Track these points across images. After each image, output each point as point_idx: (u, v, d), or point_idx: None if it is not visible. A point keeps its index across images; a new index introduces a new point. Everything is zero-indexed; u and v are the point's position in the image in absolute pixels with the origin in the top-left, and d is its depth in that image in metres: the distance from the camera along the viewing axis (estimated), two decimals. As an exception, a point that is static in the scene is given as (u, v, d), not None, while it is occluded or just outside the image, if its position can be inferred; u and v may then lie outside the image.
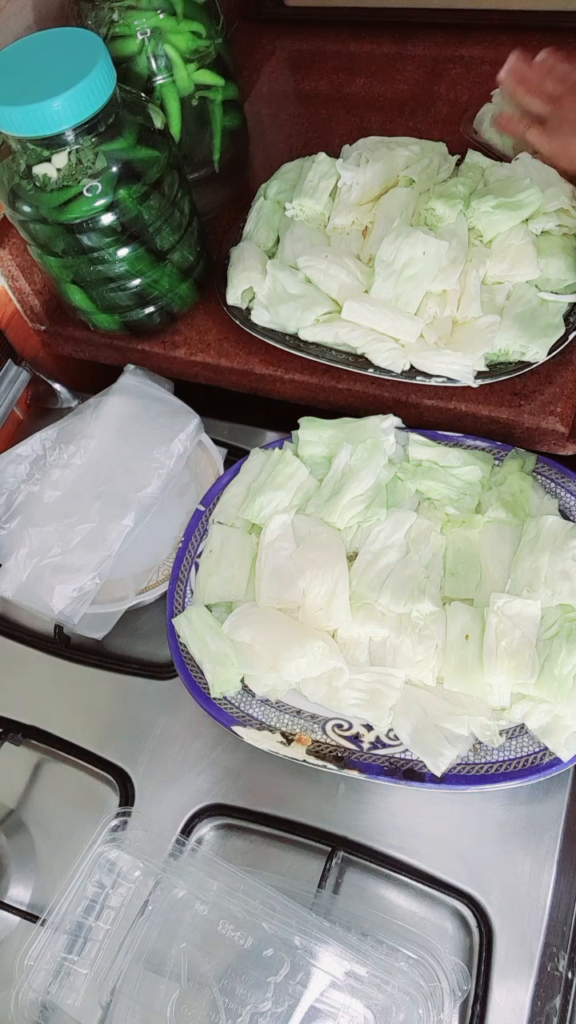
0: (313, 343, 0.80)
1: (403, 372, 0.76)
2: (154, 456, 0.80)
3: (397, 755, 0.63)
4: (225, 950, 0.58)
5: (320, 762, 0.64)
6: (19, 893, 0.67)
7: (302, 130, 1.02)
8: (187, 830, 0.67)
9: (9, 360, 0.91)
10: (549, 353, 0.73)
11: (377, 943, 0.57)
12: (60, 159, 0.69)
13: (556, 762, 0.61)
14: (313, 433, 0.77)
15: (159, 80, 0.85)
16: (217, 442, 0.84)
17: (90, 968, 0.60)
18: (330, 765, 0.63)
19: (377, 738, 0.65)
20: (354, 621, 0.68)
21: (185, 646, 0.70)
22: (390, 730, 0.65)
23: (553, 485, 0.73)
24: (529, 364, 0.73)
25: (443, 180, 0.84)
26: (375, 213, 0.83)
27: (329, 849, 0.63)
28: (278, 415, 0.84)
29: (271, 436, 0.86)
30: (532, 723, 0.62)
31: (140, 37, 0.81)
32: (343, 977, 0.56)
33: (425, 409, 0.80)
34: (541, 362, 0.73)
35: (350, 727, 0.66)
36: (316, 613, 0.68)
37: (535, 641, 0.64)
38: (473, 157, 0.85)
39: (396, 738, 0.64)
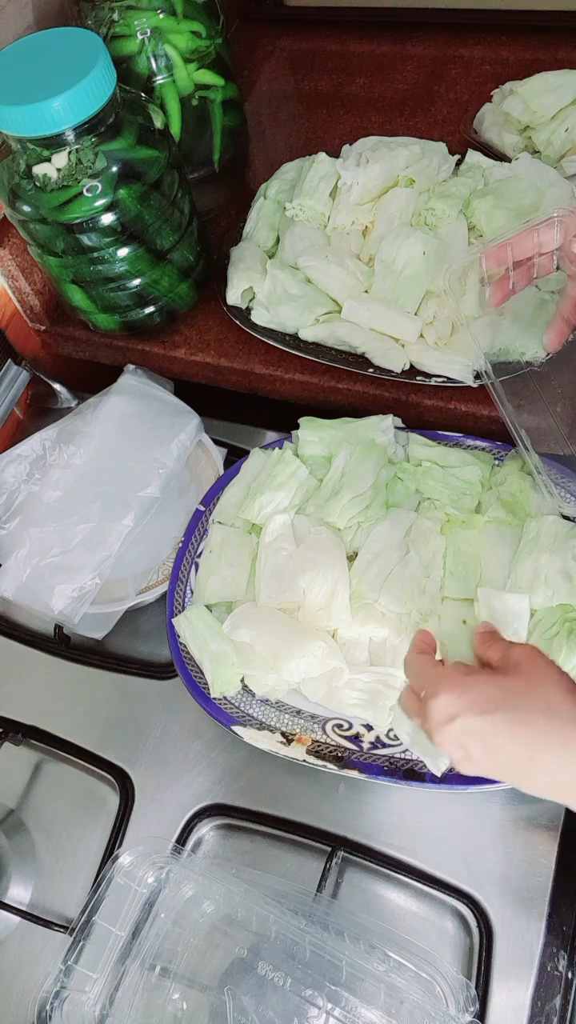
0: (313, 343, 0.80)
1: (403, 372, 0.76)
2: (154, 456, 0.80)
3: (397, 755, 0.63)
4: (224, 962, 0.58)
5: (320, 762, 0.64)
6: (19, 893, 0.67)
7: (302, 130, 1.02)
8: (187, 830, 0.67)
9: (9, 360, 0.91)
10: (549, 353, 0.73)
11: (381, 957, 0.57)
12: (60, 159, 0.69)
13: (556, 762, 0.61)
14: (313, 433, 0.77)
15: (159, 80, 0.85)
16: (217, 442, 0.84)
17: (100, 973, 0.60)
18: (330, 765, 0.63)
19: (377, 738, 0.65)
20: (354, 621, 0.68)
21: (185, 646, 0.70)
22: (390, 730, 0.65)
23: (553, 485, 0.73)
24: (529, 364, 0.73)
25: (443, 180, 0.84)
26: (375, 213, 0.83)
27: (329, 849, 0.63)
28: (278, 415, 0.84)
29: (271, 436, 0.86)
30: (532, 723, 0.62)
31: (140, 37, 0.81)
32: (345, 994, 0.55)
33: (425, 409, 0.80)
34: (541, 362, 0.73)
35: (350, 727, 0.66)
36: (316, 613, 0.68)
37: (526, 637, 0.64)
38: (473, 157, 0.85)
39: (396, 738, 0.64)
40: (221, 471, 0.81)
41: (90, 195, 0.71)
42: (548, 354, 0.73)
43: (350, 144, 0.90)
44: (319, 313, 0.79)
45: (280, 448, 0.78)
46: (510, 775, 0.49)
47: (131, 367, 0.87)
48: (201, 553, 0.75)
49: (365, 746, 0.64)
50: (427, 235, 0.78)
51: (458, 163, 0.86)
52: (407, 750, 0.63)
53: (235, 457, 0.82)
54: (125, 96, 0.73)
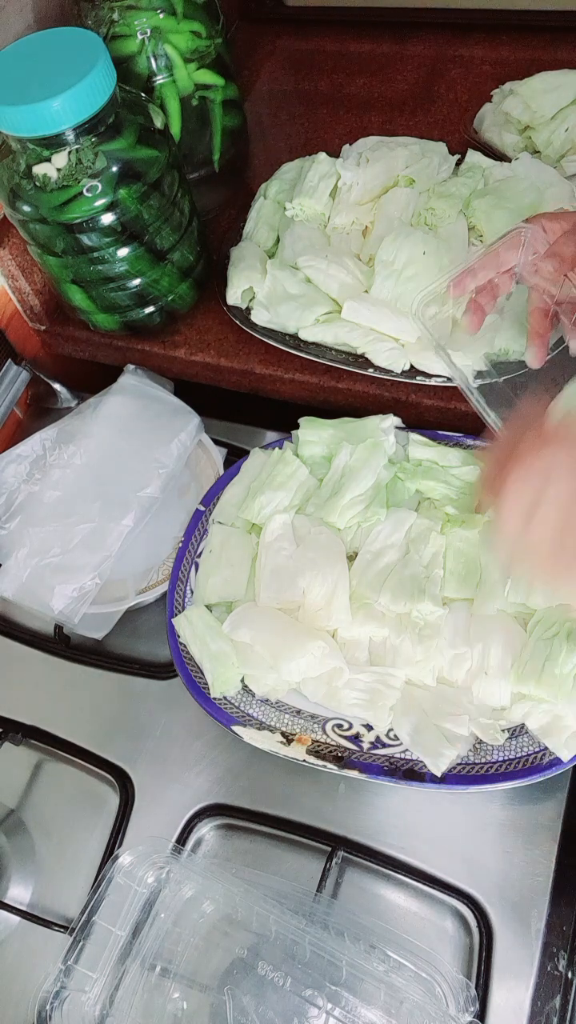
0: (313, 343, 0.80)
1: (403, 372, 0.76)
2: (154, 456, 0.80)
3: (397, 755, 0.63)
4: (223, 962, 0.58)
5: (320, 762, 0.64)
6: (19, 893, 0.67)
7: (302, 130, 1.02)
8: (187, 830, 0.67)
9: (9, 360, 0.91)
10: (549, 353, 0.73)
11: (381, 957, 0.57)
12: (60, 159, 0.69)
13: (556, 762, 0.61)
14: (313, 433, 0.77)
15: (159, 80, 0.85)
16: (217, 442, 0.84)
17: (100, 973, 0.60)
18: (330, 765, 0.63)
19: (377, 738, 0.65)
20: (354, 621, 0.68)
21: (185, 646, 0.70)
22: (390, 730, 0.65)
23: (553, 485, 0.73)
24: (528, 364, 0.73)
25: (443, 180, 0.84)
26: (375, 213, 0.83)
27: (329, 849, 0.63)
28: (278, 415, 0.84)
29: (271, 436, 0.86)
30: (532, 723, 0.62)
31: (140, 37, 0.81)
32: (345, 994, 0.56)
33: (425, 409, 0.80)
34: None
35: (350, 727, 0.66)
36: (316, 613, 0.68)
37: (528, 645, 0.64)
38: (473, 157, 0.85)
39: (396, 738, 0.64)
40: (221, 471, 0.81)
41: (90, 195, 0.71)
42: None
43: (350, 144, 0.90)
44: (319, 313, 0.79)
45: (280, 448, 0.78)
46: None
47: (131, 367, 0.87)
48: (201, 553, 0.75)
49: (365, 746, 0.64)
50: (427, 235, 0.78)
51: (458, 163, 0.86)
52: (407, 750, 0.63)
53: (235, 457, 0.82)
54: (125, 96, 0.73)
